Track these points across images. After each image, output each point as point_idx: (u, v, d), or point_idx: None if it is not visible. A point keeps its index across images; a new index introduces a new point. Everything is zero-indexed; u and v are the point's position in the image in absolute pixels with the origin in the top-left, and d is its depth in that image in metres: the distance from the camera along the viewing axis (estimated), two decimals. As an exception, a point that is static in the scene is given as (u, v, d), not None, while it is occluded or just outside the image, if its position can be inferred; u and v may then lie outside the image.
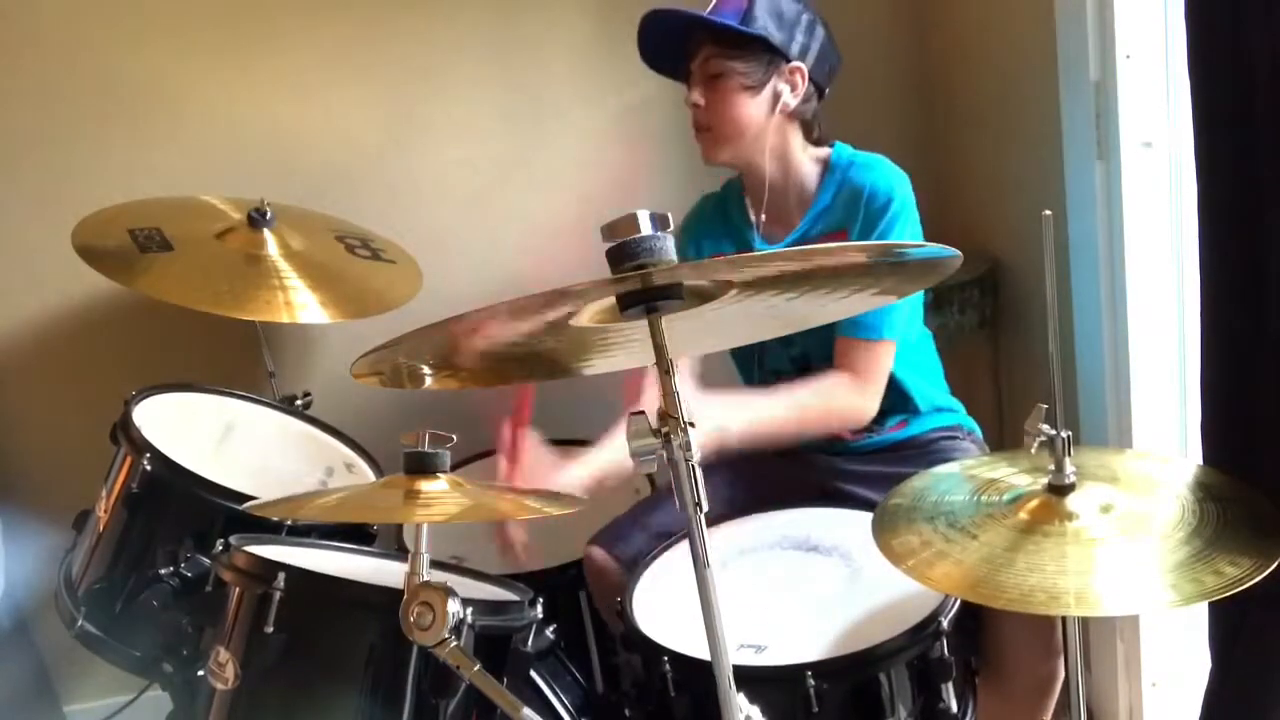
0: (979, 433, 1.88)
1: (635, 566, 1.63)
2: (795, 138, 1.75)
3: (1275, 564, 1.07)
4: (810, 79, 1.71)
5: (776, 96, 1.70)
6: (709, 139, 1.72)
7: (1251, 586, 1.05)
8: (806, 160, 1.77)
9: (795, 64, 1.69)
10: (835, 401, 1.68)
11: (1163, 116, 1.65)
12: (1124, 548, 1.15)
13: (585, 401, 2.18)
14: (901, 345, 1.74)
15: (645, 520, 1.73)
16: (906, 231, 1.69)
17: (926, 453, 1.77)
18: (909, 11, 2.27)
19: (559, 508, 1.39)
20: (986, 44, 2.10)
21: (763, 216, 1.79)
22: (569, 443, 2.22)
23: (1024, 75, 1.93)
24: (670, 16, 1.69)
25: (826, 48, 1.74)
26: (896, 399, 1.81)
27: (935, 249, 1.06)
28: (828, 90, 1.77)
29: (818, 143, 1.78)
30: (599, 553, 1.72)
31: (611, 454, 1.61)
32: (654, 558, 1.61)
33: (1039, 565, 1.13)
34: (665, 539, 1.66)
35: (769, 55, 1.68)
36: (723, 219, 1.85)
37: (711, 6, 1.68)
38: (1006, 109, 2.05)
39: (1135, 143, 1.66)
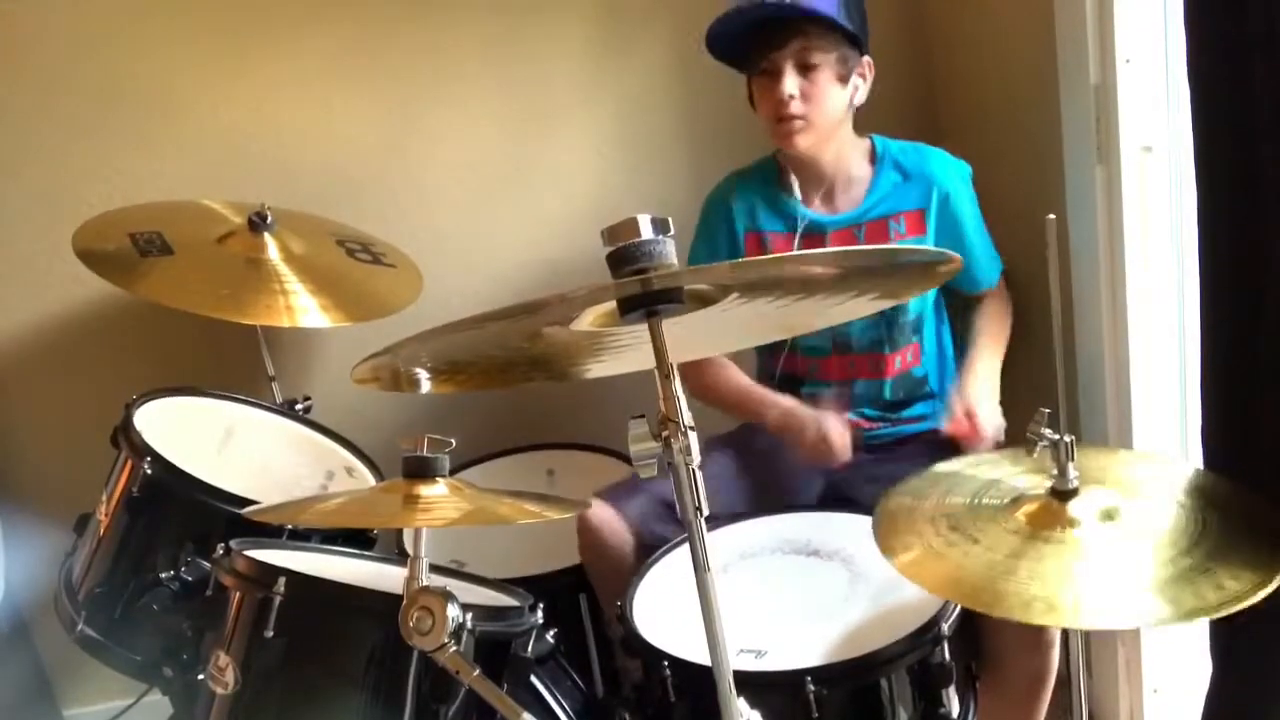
0: None
1: (634, 526, 1.69)
2: (849, 126, 1.83)
3: (1276, 582, 1.06)
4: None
5: (855, 89, 1.77)
6: (799, 127, 1.74)
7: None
8: (854, 147, 1.84)
9: (867, 58, 1.77)
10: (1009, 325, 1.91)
11: (1163, 121, 1.65)
12: (1124, 558, 1.14)
13: (587, 404, 2.20)
14: (927, 334, 1.84)
15: (649, 486, 1.70)
16: (976, 216, 1.84)
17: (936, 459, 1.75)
18: (909, 17, 2.27)
19: (560, 511, 1.39)
20: (986, 49, 2.10)
21: (815, 200, 1.84)
22: (569, 446, 2.23)
23: (1024, 80, 1.93)
24: (768, 6, 1.71)
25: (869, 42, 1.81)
26: (917, 385, 1.85)
27: (938, 253, 1.07)
28: None
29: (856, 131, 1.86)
30: (602, 507, 1.72)
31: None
32: (654, 561, 1.61)
33: (1040, 574, 1.12)
34: (668, 507, 1.68)
35: (853, 49, 1.74)
36: (765, 192, 1.87)
37: None
38: (1006, 114, 2.05)
39: (1135, 147, 1.66)
